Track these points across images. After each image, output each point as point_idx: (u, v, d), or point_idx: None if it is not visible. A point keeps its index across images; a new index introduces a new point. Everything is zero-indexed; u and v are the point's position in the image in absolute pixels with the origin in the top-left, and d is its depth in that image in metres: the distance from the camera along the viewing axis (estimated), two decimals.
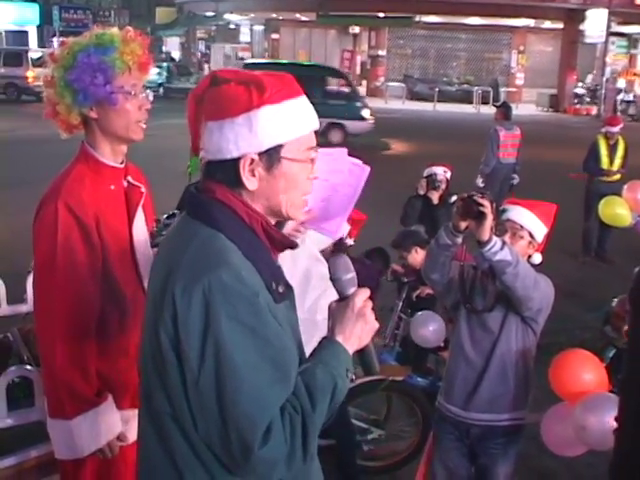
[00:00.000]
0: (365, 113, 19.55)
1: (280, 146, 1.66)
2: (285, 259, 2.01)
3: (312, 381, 1.61)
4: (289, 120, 1.67)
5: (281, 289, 1.68)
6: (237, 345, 1.53)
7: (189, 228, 1.68)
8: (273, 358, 1.57)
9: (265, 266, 1.66)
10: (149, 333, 1.66)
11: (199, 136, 1.72)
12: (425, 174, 6.56)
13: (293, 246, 1.78)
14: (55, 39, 34.89)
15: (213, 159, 1.69)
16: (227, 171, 1.66)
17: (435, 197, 6.49)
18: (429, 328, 4.38)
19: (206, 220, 1.66)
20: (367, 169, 2.13)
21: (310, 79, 20.01)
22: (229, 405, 1.54)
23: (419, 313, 4.51)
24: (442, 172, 6.49)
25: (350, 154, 2.21)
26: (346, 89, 20.67)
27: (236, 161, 1.65)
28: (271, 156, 1.66)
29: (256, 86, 1.65)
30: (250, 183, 1.67)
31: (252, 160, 1.65)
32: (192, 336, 1.55)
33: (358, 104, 19.91)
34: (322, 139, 18.67)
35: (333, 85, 20.90)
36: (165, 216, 3.11)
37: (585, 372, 3.24)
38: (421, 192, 6.55)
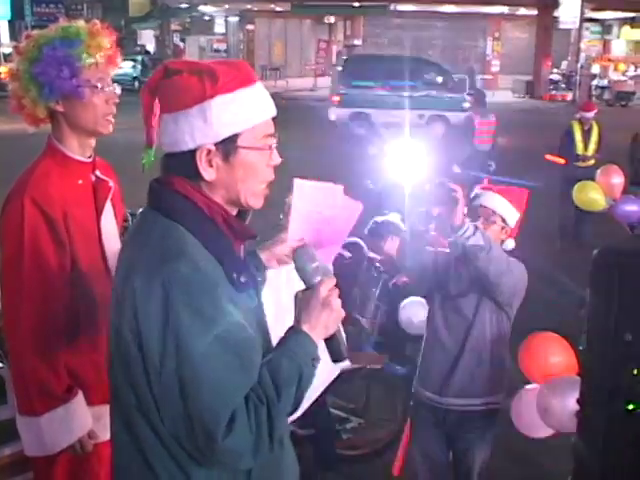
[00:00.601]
0: (466, 105, 19.02)
1: (236, 135, 1.65)
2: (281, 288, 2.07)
3: (277, 371, 1.60)
4: (244, 109, 1.65)
5: (243, 279, 1.67)
6: (197, 336, 1.53)
7: (149, 221, 1.68)
8: (235, 348, 1.57)
9: (226, 256, 1.65)
10: (114, 328, 1.65)
11: (153, 128, 1.71)
12: None
13: (254, 236, 1.77)
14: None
15: (170, 151, 1.68)
16: (185, 163, 1.65)
17: None
18: (418, 317, 4.37)
19: (165, 212, 1.65)
20: (360, 207, 2.19)
21: (413, 72, 20.01)
22: (191, 397, 1.53)
23: (409, 299, 4.49)
24: None
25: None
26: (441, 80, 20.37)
27: (193, 152, 1.64)
28: (228, 146, 1.65)
29: (209, 76, 1.63)
30: (208, 174, 1.66)
31: (209, 151, 1.64)
32: (153, 330, 1.54)
33: (458, 96, 19.49)
34: (425, 131, 18.35)
35: (433, 77, 20.61)
36: (141, 210, 3.09)
37: (552, 355, 3.25)
38: None
